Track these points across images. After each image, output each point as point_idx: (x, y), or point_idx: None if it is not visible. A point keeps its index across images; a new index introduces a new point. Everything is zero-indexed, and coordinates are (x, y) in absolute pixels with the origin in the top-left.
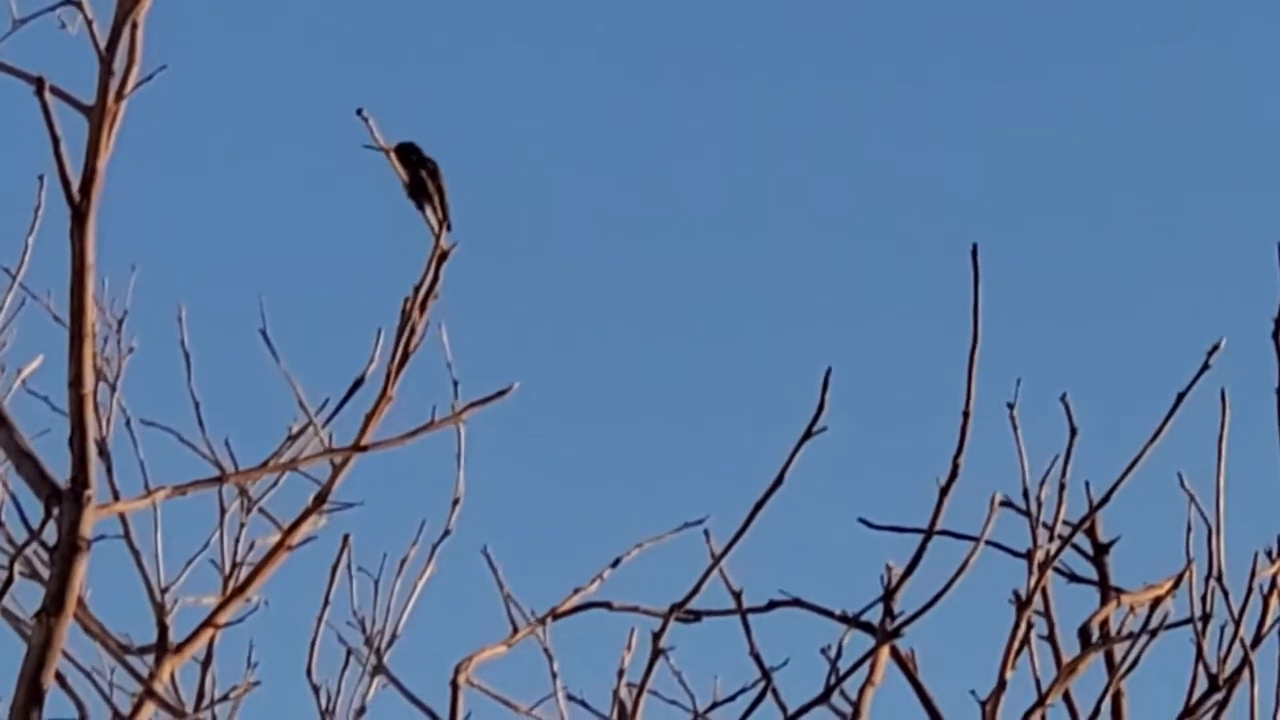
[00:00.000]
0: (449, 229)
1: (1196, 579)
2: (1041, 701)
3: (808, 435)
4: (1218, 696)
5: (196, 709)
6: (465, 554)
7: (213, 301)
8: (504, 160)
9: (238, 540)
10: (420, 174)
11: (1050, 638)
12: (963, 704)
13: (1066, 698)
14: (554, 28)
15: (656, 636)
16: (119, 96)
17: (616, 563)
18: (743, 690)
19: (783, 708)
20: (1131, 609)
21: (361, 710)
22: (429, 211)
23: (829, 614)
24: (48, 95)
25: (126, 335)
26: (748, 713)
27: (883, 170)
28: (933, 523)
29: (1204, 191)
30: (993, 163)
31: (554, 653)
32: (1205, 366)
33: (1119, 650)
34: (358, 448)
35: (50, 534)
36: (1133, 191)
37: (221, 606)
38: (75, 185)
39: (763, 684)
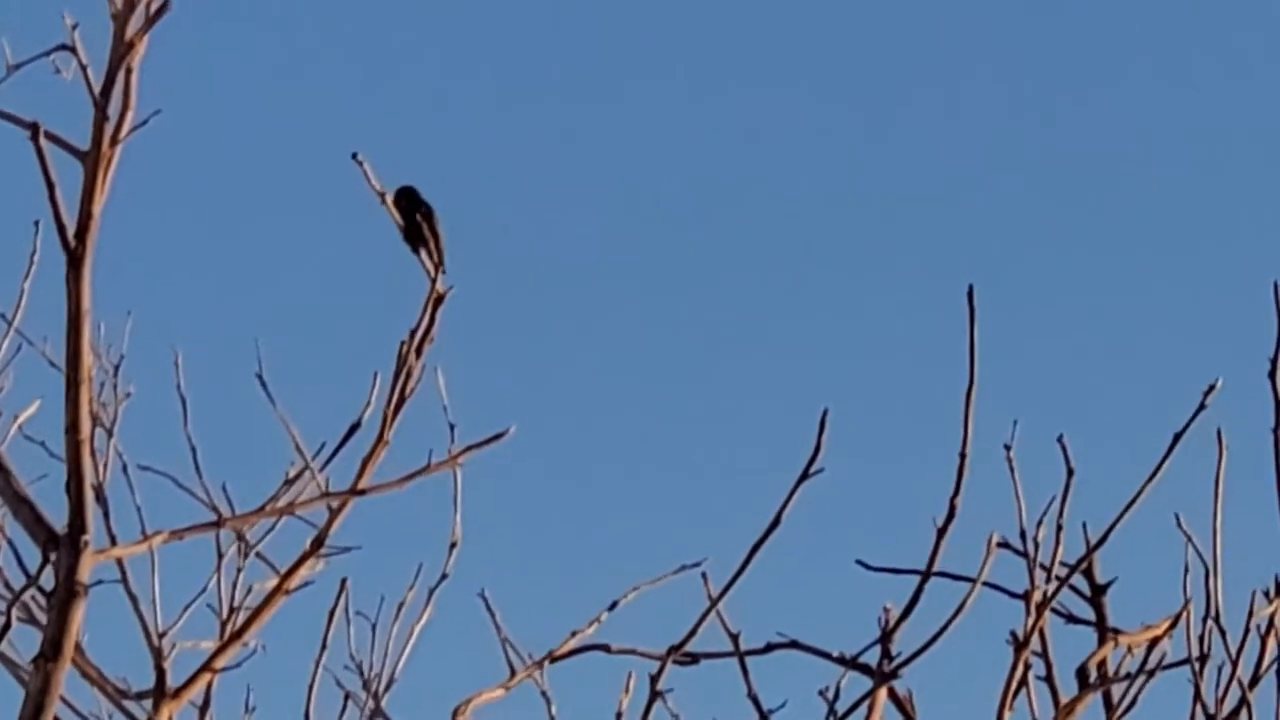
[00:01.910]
0: (444, 273)
1: (1194, 619)
2: None
3: (805, 477)
4: None
5: None
6: (462, 597)
7: (209, 346)
8: (501, 204)
9: (235, 585)
10: (416, 218)
11: (1048, 678)
12: None
13: None
14: (556, 71)
15: (654, 679)
16: (114, 141)
17: (614, 605)
18: None
19: None
20: (1129, 649)
21: None
22: (424, 255)
23: (827, 655)
24: (43, 141)
25: (123, 380)
26: None
27: (880, 211)
28: (930, 564)
29: (1200, 232)
30: (990, 203)
31: (552, 695)
32: (1202, 406)
33: (1117, 691)
34: (355, 492)
35: (48, 579)
36: (1129, 232)
37: (219, 651)
38: (71, 230)
39: None
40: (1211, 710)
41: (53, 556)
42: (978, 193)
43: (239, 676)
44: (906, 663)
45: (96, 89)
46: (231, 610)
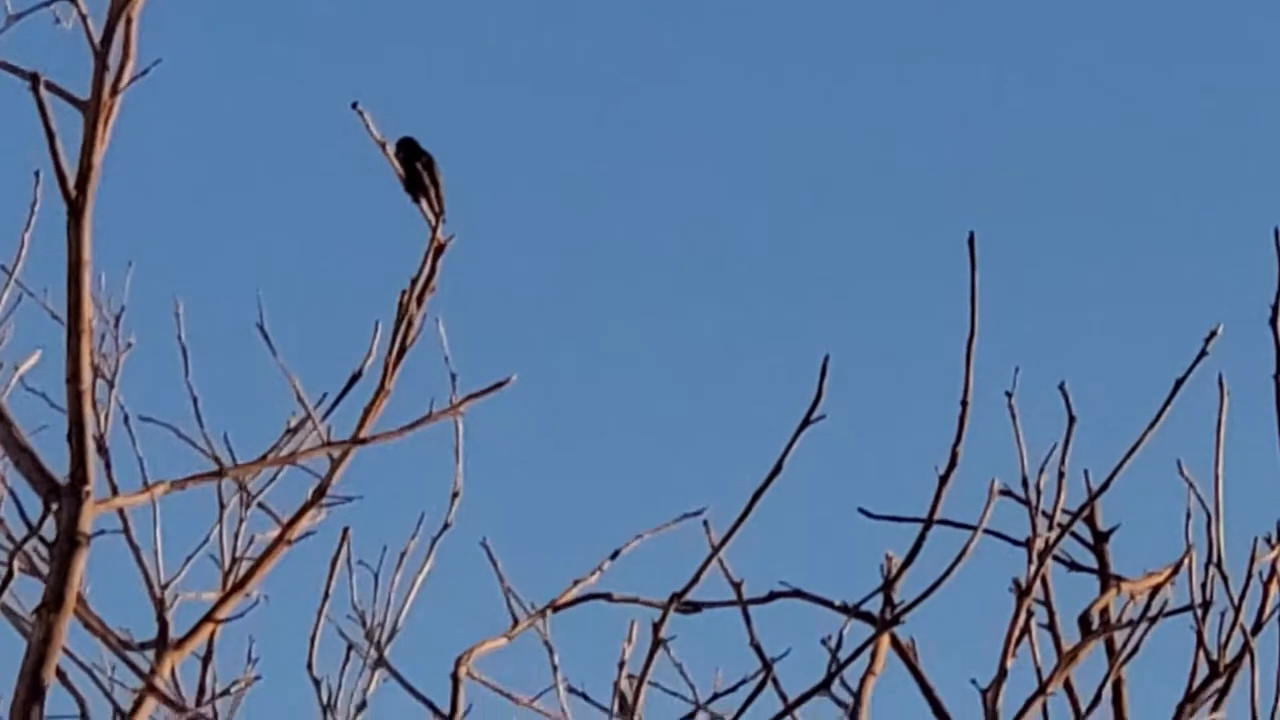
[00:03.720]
0: (445, 222)
1: (1196, 566)
2: (1042, 689)
3: (806, 423)
4: (1218, 683)
5: (197, 704)
6: (465, 547)
7: (210, 296)
8: (501, 152)
9: (237, 535)
10: (416, 167)
11: (1050, 626)
12: (963, 693)
13: (1067, 685)
14: (554, 22)
15: (657, 628)
16: (114, 91)
17: (616, 554)
18: (744, 681)
19: (784, 698)
20: (1131, 596)
21: (363, 704)
22: (425, 205)
23: (829, 604)
24: (43, 91)
25: (124, 331)
26: (748, 703)
27: (880, 161)
28: (932, 512)
29: (1202, 178)
30: (990, 151)
31: (554, 645)
32: (1203, 353)
33: (1119, 638)
34: (356, 441)
35: (49, 530)
36: (1131, 179)
37: (221, 601)
38: (71, 181)
39: (763, 674)
40: (1214, 656)
41: (54, 507)
42: (979, 140)
43: (241, 627)
44: (908, 610)
45: (96, 39)
46: (234, 561)
